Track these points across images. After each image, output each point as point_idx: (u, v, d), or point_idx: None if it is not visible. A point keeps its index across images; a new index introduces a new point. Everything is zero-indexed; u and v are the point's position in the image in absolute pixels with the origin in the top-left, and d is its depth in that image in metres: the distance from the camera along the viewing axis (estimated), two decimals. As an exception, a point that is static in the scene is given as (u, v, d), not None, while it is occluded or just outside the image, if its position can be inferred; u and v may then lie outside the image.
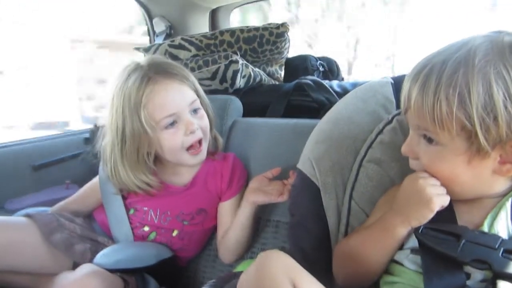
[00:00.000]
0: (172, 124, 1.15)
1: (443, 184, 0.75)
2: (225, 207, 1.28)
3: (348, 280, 0.86)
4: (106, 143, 1.20)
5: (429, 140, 0.73)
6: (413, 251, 0.76)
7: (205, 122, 1.22)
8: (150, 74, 1.14)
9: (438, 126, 0.68)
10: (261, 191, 1.20)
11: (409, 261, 0.76)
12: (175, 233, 1.26)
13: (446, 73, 0.67)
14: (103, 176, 1.30)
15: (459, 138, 0.68)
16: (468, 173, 0.71)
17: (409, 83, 0.73)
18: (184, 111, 1.16)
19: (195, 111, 1.20)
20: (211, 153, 1.31)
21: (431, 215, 0.73)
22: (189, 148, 1.19)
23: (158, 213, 1.25)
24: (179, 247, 1.27)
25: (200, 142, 1.21)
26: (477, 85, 0.64)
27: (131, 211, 1.28)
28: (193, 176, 1.28)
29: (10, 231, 1.13)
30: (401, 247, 0.78)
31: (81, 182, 1.69)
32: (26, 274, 1.15)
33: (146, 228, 1.26)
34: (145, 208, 1.26)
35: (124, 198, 1.29)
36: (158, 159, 1.26)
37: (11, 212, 1.40)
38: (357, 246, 0.83)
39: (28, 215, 1.19)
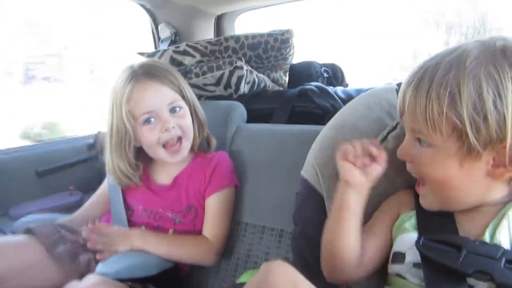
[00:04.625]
0: (150, 120, 1.22)
1: (439, 191, 0.76)
2: (207, 203, 1.30)
3: (331, 272, 0.87)
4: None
5: (423, 143, 0.74)
6: (415, 265, 0.75)
7: (186, 121, 1.27)
8: (136, 74, 1.23)
9: (430, 127, 0.70)
10: None
11: (411, 275, 0.76)
12: (170, 233, 1.28)
13: (438, 74, 0.69)
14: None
15: (451, 139, 0.69)
16: (461, 176, 0.71)
17: (404, 87, 0.76)
18: (162, 110, 1.22)
19: (174, 110, 1.26)
20: (202, 152, 1.37)
21: (344, 178, 0.82)
22: (167, 145, 1.25)
23: (152, 212, 1.30)
24: None
25: (180, 141, 1.27)
26: (468, 85, 0.65)
27: (129, 212, 1.32)
28: (177, 173, 1.33)
29: (11, 254, 1.12)
30: (402, 260, 0.78)
31: (85, 188, 1.69)
32: None
33: (143, 228, 1.28)
34: (140, 207, 1.31)
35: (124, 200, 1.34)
36: (147, 156, 1.32)
37: (15, 218, 1.40)
38: (327, 231, 0.86)
39: (28, 229, 1.19)
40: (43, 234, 1.16)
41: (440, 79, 0.68)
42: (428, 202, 0.80)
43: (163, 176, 1.35)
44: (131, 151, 1.26)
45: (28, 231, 1.19)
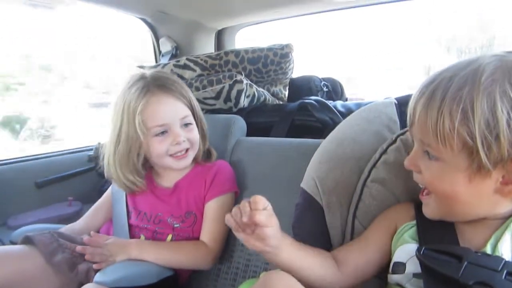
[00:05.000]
0: (162, 133, 1.25)
1: (445, 203, 0.75)
2: (207, 208, 1.31)
3: None
4: (107, 142, 1.31)
5: (431, 157, 0.73)
6: (415, 275, 0.75)
7: (194, 134, 1.31)
8: (150, 86, 1.25)
9: (440, 141, 0.68)
10: None
11: (411, 285, 0.75)
12: (169, 238, 1.29)
13: (452, 89, 0.67)
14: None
15: (461, 155, 0.67)
16: (469, 192, 0.70)
17: (415, 97, 0.74)
18: (174, 124, 1.26)
19: (186, 125, 1.29)
20: (203, 161, 1.40)
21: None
22: (173, 155, 1.28)
23: (152, 215, 1.31)
24: None
25: (186, 150, 1.30)
26: (481, 102, 0.63)
27: (129, 215, 1.34)
28: (179, 178, 1.35)
29: (12, 264, 1.12)
30: (403, 271, 0.78)
31: (84, 199, 1.69)
32: None
33: (142, 238, 1.30)
34: (141, 211, 1.34)
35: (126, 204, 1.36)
36: (148, 162, 1.34)
37: (14, 228, 1.39)
38: None
39: (26, 237, 1.19)
40: (41, 243, 1.16)
41: (453, 93, 0.66)
42: (431, 211, 0.79)
43: (165, 181, 1.37)
44: (140, 159, 1.27)
45: (26, 239, 1.18)
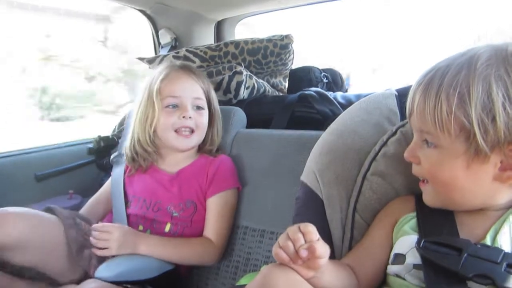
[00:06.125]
0: (172, 105, 1.33)
1: (443, 191, 0.75)
2: (209, 203, 1.33)
3: None
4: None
5: (430, 144, 0.74)
6: (415, 266, 0.75)
7: (203, 120, 1.37)
8: (175, 66, 1.40)
9: (438, 127, 0.70)
10: None
11: (411, 276, 0.75)
12: (167, 228, 1.30)
13: (448, 75, 0.69)
14: (116, 171, 1.45)
15: (458, 140, 0.69)
16: (468, 179, 0.71)
17: (414, 88, 0.76)
18: (186, 100, 1.34)
19: (196, 106, 1.36)
20: (207, 154, 1.43)
21: None
22: (179, 131, 1.33)
23: (151, 202, 1.33)
24: None
25: (192, 131, 1.35)
26: (477, 86, 0.66)
27: (128, 204, 1.37)
28: (182, 167, 1.38)
29: (38, 222, 1.15)
30: (402, 262, 0.77)
31: (84, 192, 1.69)
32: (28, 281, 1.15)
33: (141, 228, 1.32)
34: (140, 198, 1.36)
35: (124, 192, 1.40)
36: (155, 144, 1.39)
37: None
38: None
39: (49, 208, 1.24)
40: (61, 214, 1.20)
41: (450, 80, 0.68)
42: (431, 198, 0.79)
43: (169, 166, 1.40)
44: (153, 127, 1.33)
45: (48, 210, 1.23)
